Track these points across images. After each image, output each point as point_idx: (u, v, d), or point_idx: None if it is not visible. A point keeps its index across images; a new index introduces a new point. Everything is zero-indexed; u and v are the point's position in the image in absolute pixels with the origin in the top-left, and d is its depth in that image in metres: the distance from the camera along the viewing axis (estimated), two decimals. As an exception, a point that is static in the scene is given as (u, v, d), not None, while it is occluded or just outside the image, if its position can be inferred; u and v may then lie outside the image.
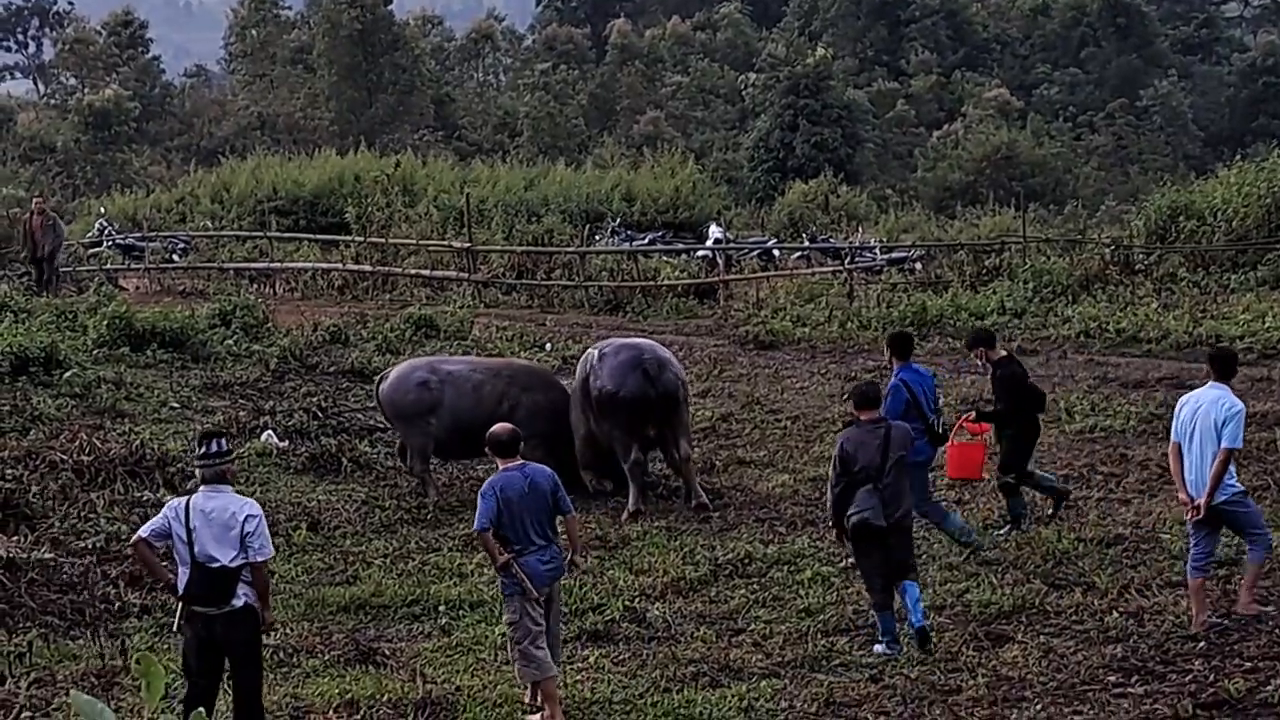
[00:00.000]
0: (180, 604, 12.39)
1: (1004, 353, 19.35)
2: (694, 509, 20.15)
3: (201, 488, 12.41)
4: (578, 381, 21.23)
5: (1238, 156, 46.88)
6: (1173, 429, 14.82)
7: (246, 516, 12.20)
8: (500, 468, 13.50)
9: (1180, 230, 38.00)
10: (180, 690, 13.01)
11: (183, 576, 12.25)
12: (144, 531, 12.44)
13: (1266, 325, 29.14)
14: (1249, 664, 13.34)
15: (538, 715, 13.19)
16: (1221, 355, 15.55)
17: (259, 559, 12.25)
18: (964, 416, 19.13)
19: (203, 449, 12.44)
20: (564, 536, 13.79)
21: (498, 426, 13.96)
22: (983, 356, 18.92)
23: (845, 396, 15.42)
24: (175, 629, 12.75)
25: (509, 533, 13.21)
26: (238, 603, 12.19)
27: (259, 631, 12.51)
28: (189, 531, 12.14)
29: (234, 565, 12.14)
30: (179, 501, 12.45)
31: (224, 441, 12.64)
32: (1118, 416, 23.55)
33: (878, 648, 14.65)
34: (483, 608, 16.27)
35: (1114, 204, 67.60)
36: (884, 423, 14.94)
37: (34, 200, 38.81)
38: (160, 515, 12.46)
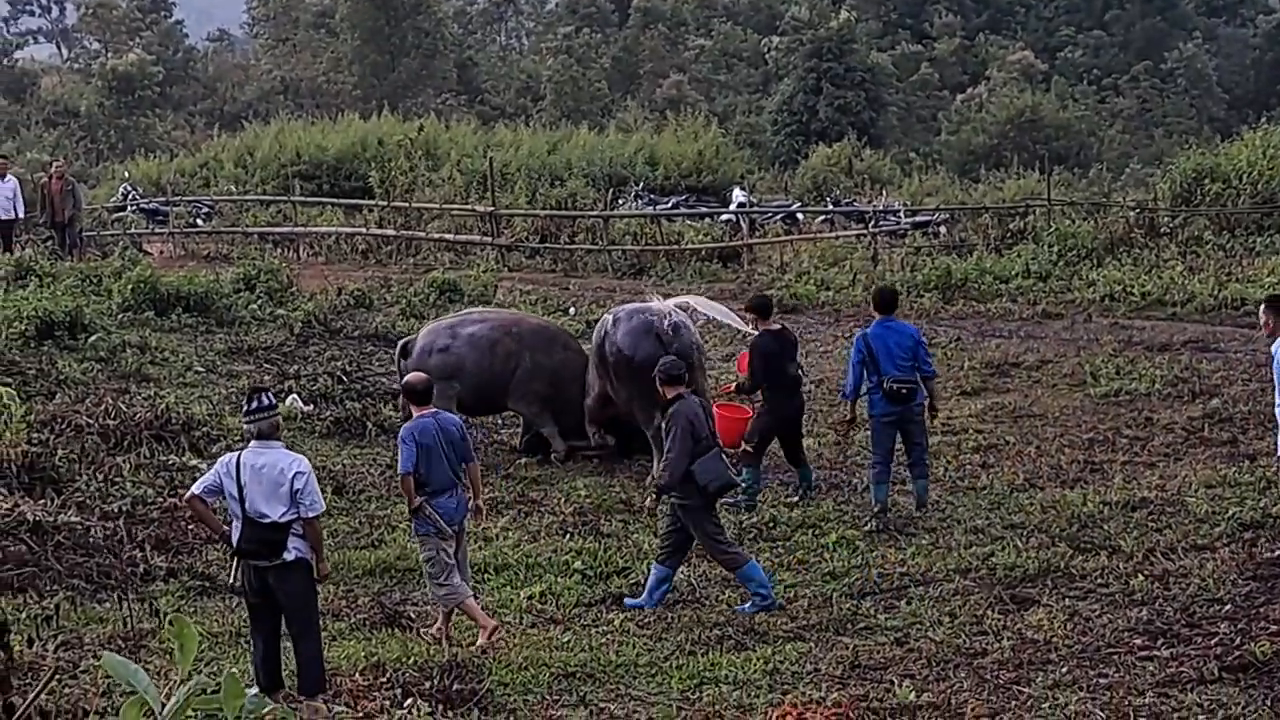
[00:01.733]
0: (233, 558, 12.69)
1: (777, 326, 19.25)
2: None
3: (251, 443, 12.54)
4: (594, 345, 21.21)
5: (1263, 119, 46.72)
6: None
7: (296, 473, 12.38)
8: (415, 415, 14.24)
9: (1205, 193, 37.86)
10: (208, 654, 13.11)
11: (235, 531, 12.49)
12: (197, 488, 12.58)
13: (1292, 288, 29.06)
14: (1275, 627, 13.29)
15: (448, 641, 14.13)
16: None
17: (311, 514, 12.47)
18: (725, 385, 20.33)
19: (251, 404, 12.59)
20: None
21: (412, 376, 15.04)
22: (754, 323, 19.29)
23: (660, 373, 15.69)
24: (230, 582, 13.06)
25: (426, 476, 14.02)
26: (289, 556, 12.41)
27: (312, 584, 12.75)
28: (240, 487, 12.34)
29: (284, 520, 12.35)
30: (230, 457, 12.62)
31: (270, 395, 12.81)
32: (1143, 380, 23.51)
33: (765, 604, 14.96)
34: (507, 571, 16.29)
35: (1138, 167, 67.48)
36: (694, 395, 15.80)
37: (53, 165, 38.78)
38: (212, 472, 12.64)
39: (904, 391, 17.78)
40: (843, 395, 19.04)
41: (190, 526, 16.83)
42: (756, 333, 19.19)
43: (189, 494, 12.73)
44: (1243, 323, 27.48)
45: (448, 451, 14.08)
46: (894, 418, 17.91)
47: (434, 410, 14.40)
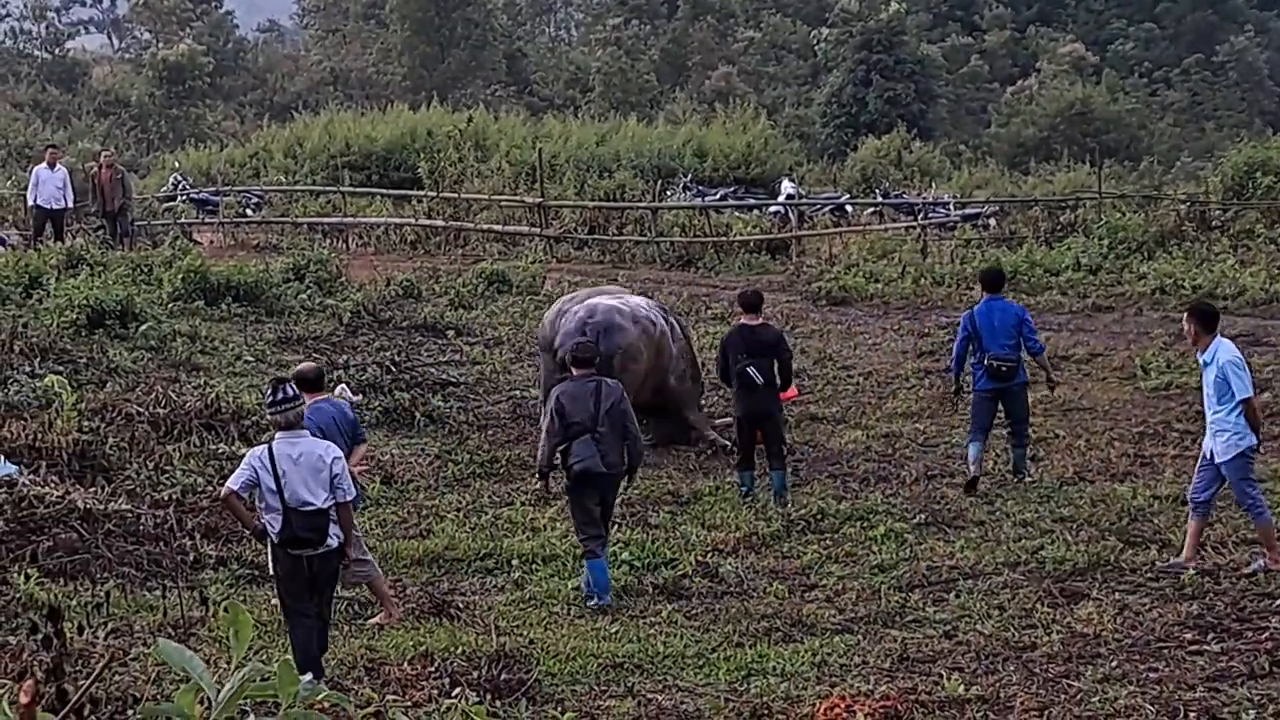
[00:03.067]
0: (273, 549, 12.76)
1: (756, 322, 18.93)
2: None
3: (278, 435, 12.70)
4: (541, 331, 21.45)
5: (1316, 112, 46.46)
6: None
7: (334, 458, 12.65)
8: (311, 402, 14.29)
9: (1257, 186, 37.71)
10: (258, 642, 13.16)
11: (274, 522, 12.57)
12: (234, 484, 12.64)
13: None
14: (1326, 622, 13.26)
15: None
16: None
17: (346, 499, 12.75)
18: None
19: (276, 395, 12.76)
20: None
21: (304, 364, 15.67)
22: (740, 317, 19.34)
23: (568, 353, 15.99)
24: (271, 573, 13.09)
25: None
26: (332, 543, 12.68)
27: (339, 566, 13.06)
28: (277, 478, 12.47)
29: (326, 506, 12.56)
30: (261, 450, 12.74)
31: (292, 386, 13.00)
32: (1193, 373, 23.32)
33: (591, 602, 15.16)
34: (555, 562, 16.32)
35: (1189, 160, 67.23)
36: (595, 377, 15.75)
37: (102, 154, 38.92)
38: (244, 466, 12.69)
39: (1004, 369, 18.51)
40: (948, 369, 19.53)
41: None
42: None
43: (226, 490, 12.79)
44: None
45: (346, 434, 14.57)
46: (993, 393, 18.63)
47: (326, 397, 14.86)
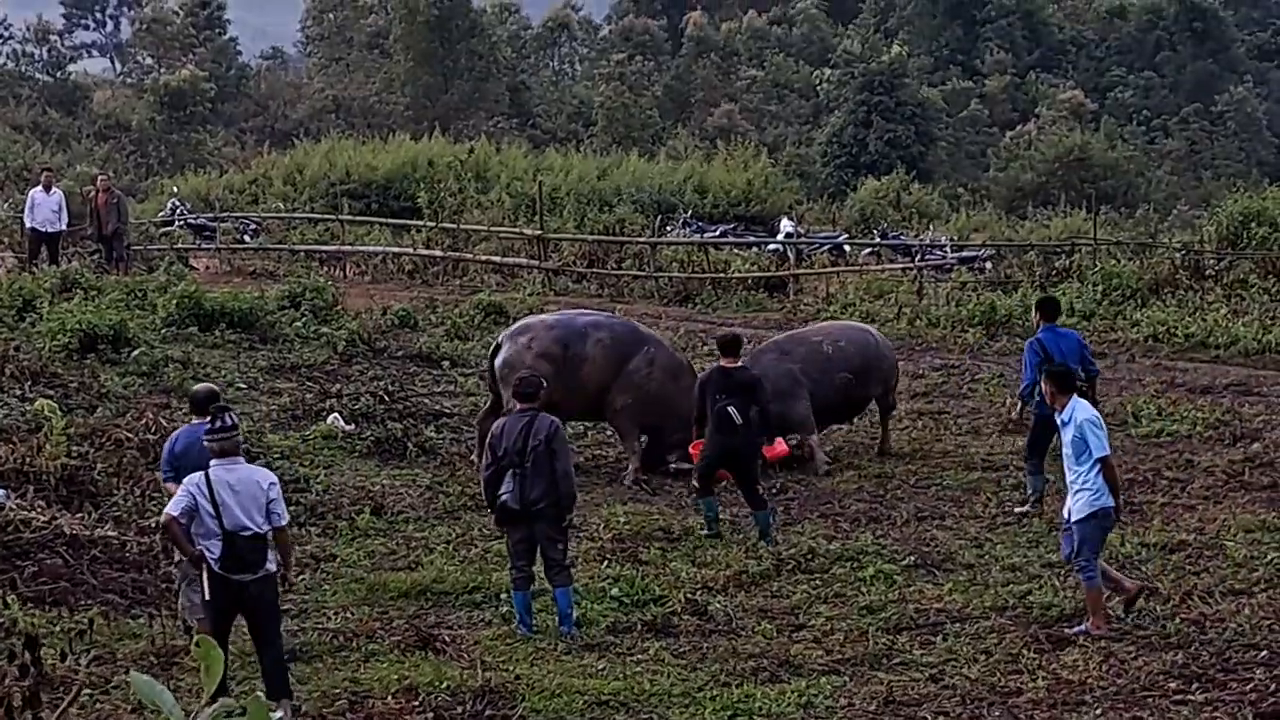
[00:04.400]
0: (210, 576, 12.83)
1: (734, 365, 19.13)
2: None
3: (214, 461, 12.90)
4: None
5: (1313, 164, 46.49)
6: None
7: (270, 484, 12.99)
8: (194, 421, 14.49)
9: (1252, 236, 37.70)
10: (240, 673, 13.16)
11: (213, 548, 12.76)
12: (173, 510, 12.88)
13: (1337, 334, 28.96)
14: (1312, 675, 13.25)
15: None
16: None
17: (282, 523, 13.05)
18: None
19: (216, 423, 13.01)
20: None
21: (199, 386, 15.76)
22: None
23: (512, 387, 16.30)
24: (205, 598, 13.04)
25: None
26: (271, 566, 12.92)
27: (278, 593, 13.32)
28: (216, 505, 12.70)
29: (264, 531, 12.82)
30: (197, 477, 12.93)
31: (233, 416, 13.26)
32: (1184, 421, 23.43)
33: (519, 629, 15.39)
34: (543, 596, 16.29)
35: (1186, 208, 67.22)
36: (531, 412, 15.74)
37: (98, 178, 38.91)
38: (183, 493, 12.90)
39: (1081, 389, 18.34)
40: (1019, 396, 19.99)
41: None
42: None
43: (165, 516, 13.04)
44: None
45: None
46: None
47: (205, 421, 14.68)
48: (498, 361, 21.64)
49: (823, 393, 22.31)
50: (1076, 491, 14.96)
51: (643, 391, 21.89)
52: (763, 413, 18.92)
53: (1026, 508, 18.89)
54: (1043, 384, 16.04)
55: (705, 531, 18.73)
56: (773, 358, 22.45)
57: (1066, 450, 15.11)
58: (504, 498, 15.49)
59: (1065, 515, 15.21)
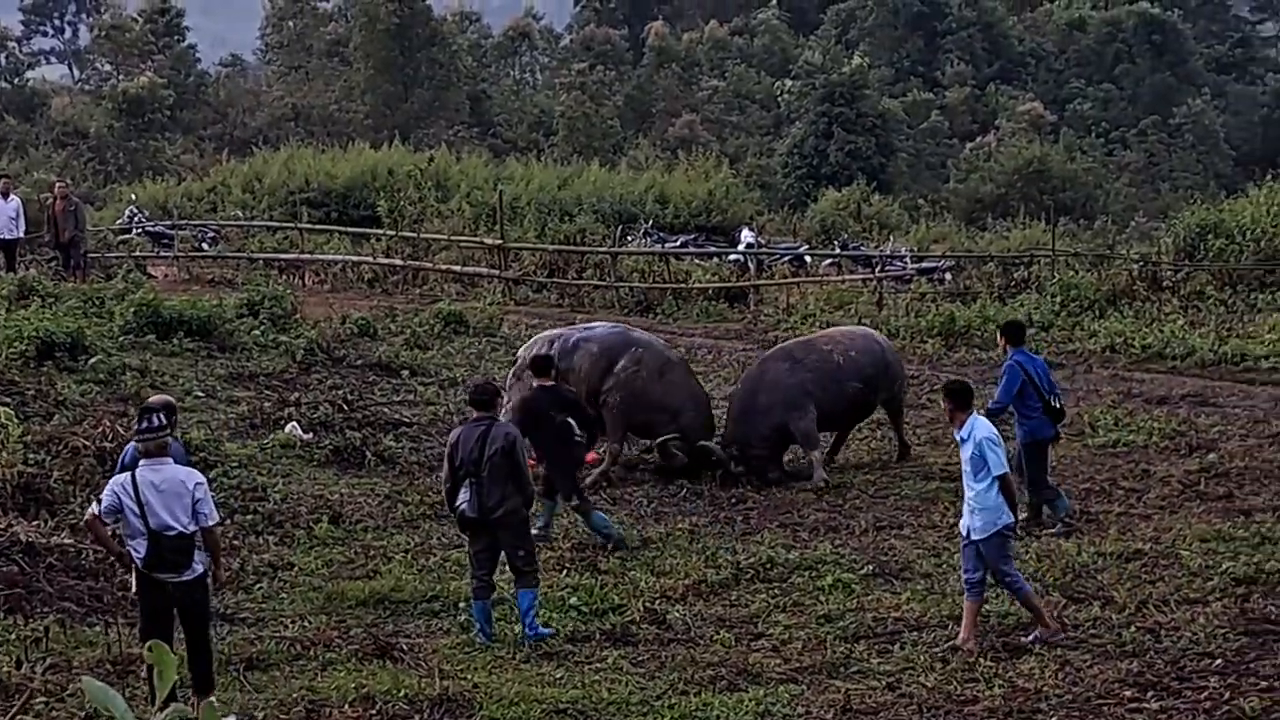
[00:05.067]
0: (138, 575, 12.99)
1: (544, 385, 19.19)
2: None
3: (142, 461, 12.98)
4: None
5: (1269, 176, 46.59)
6: None
7: (195, 484, 12.99)
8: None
9: (1209, 248, 37.91)
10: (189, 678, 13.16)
11: (139, 548, 12.86)
12: (96, 509, 12.97)
13: (1293, 345, 29.12)
14: (1264, 682, 13.31)
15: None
16: None
17: (209, 524, 13.05)
18: None
19: (143, 423, 13.08)
20: None
21: (155, 398, 15.14)
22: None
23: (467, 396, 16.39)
24: (133, 595, 13.21)
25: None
26: (199, 568, 12.99)
27: (209, 594, 13.45)
28: (140, 504, 12.77)
29: (190, 531, 12.85)
30: (124, 477, 13.03)
31: (160, 417, 13.20)
32: (1140, 432, 23.53)
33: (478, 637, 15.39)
34: (502, 605, 16.29)
35: (1144, 220, 67.38)
36: (487, 421, 15.74)
37: (56, 185, 38.68)
38: (108, 492, 13.00)
39: (1062, 408, 19.55)
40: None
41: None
42: None
43: (89, 515, 13.17)
44: (1241, 379, 27.57)
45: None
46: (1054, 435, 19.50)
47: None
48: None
49: (833, 402, 22.44)
50: (976, 510, 14.88)
51: (629, 390, 22.21)
52: (587, 423, 19.49)
53: (1059, 528, 18.74)
54: (942, 401, 15.99)
55: (542, 530, 18.81)
56: (785, 367, 22.56)
57: (965, 468, 15.06)
58: (462, 507, 15.52)
59: (964, 532, 15.17)
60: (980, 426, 15.03)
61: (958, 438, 15.33)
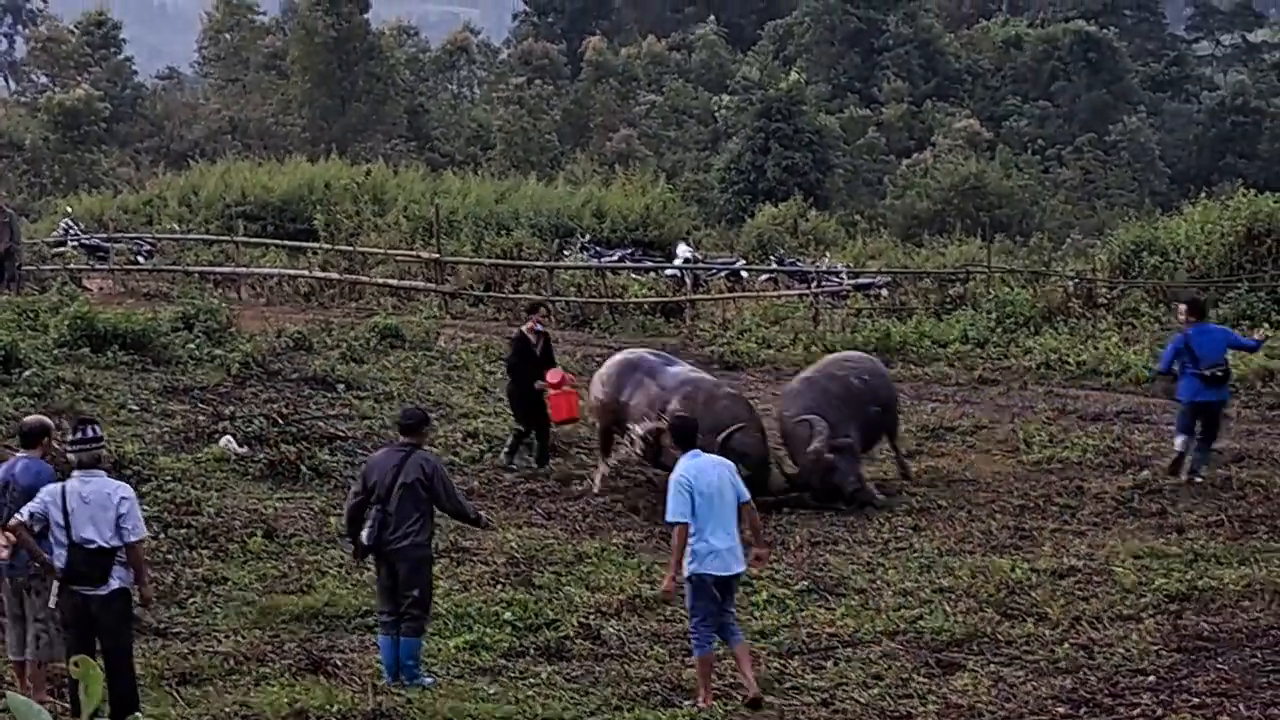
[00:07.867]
0: (59, 586, 12.93)
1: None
2: None
3: (76, 472, 12.99)
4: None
5: (1203, 194, 46.93)
6: None
7: (121, 498, 12.93)
8: (20, 454, 14.13)
9: (1143, 266, 38.18)
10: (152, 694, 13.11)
11: (59, 557, 12.83)
12: (22, 515, 12.93)
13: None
14: (1197, 699, 13.39)
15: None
16: None
17: (133, 539, 12.98)
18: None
19: (77, 434, 13.13)
20: None
21: (29, 418, 15.05)
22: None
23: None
24: (53, 605, 13.14)
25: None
26: (114, 584, 12.89)
27: (130, 611, 13.35)
28: (66, 515, 12.78)
29: (110, 546, 12.81)
30: (55, 486, 13.03)
31: (97, 428, 13.31)
32: (1075, 448, 23.66)
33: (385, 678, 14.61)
34: (436, 620, 16.24)
35: (1079, 237, 67.69)
36: (408, 448, 15.12)
37: (-11, 197, 38.42)
38: (37, 499, 12.97)
39: (1214, 375, 21.45)
40: (1155, 373, 23.65)
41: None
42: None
43: (14, 520, 13.04)
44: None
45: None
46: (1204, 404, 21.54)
47: (42, 452, 14.20)
48: None
49: (859, 427, 22.17)
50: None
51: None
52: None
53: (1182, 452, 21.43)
54: (667, 435, 15.80)
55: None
56: (814, 395, 22.32)
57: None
58: (364, 533, 14.84)
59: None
60: (679, 465, 14.23)
61: None
